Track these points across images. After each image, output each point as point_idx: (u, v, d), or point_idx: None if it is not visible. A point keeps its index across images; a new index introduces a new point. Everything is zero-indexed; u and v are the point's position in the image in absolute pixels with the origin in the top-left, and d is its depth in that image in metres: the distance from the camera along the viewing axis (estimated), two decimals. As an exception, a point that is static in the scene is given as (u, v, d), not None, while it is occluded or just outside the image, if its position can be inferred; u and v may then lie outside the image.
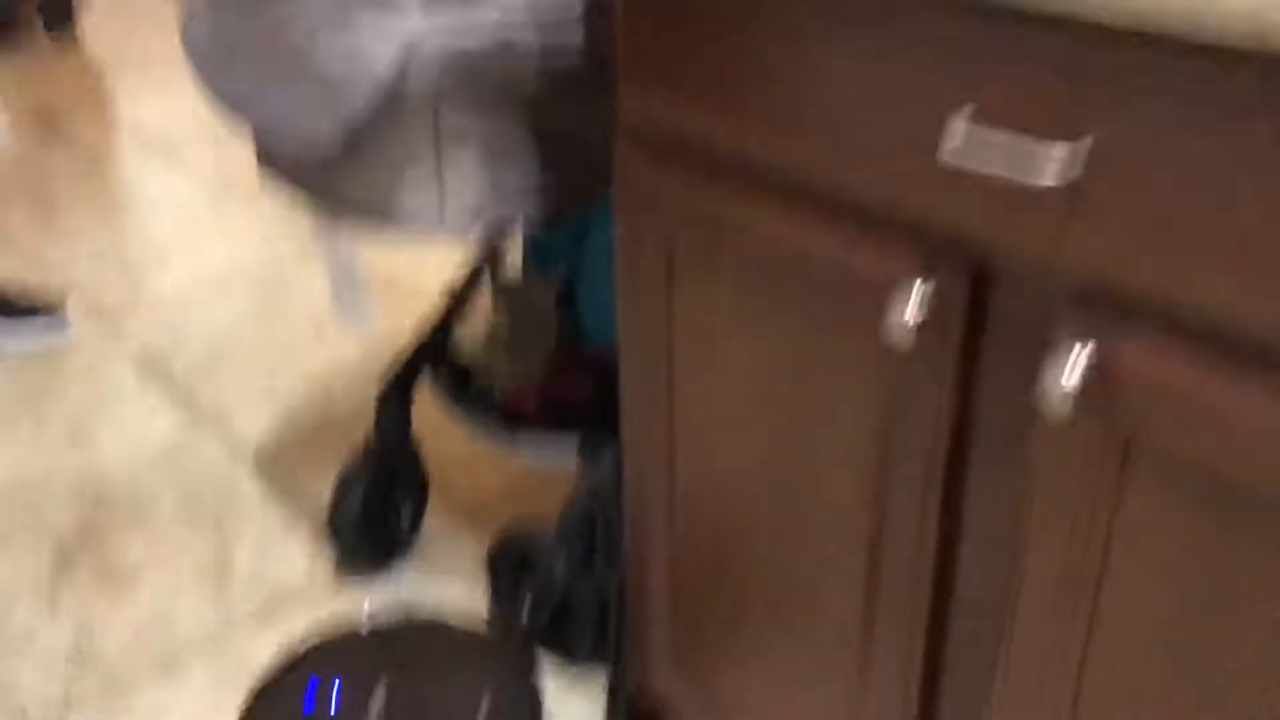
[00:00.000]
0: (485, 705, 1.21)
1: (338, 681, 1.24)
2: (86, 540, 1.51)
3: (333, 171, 1.01)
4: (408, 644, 1.30)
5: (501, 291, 1.41)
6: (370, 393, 1.80)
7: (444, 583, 1.44)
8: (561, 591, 1.23)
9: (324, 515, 1.55)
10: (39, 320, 1.99)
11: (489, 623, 1.36)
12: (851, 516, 0.81)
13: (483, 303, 1.41)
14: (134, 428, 1.74)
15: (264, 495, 1.59)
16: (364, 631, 1.32)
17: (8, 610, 1.39)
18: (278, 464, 1.66)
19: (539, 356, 1.36)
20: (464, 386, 1.36)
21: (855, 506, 0.80)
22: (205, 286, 2.13)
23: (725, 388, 0.88)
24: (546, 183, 1.06)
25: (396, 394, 1.42)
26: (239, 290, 2.12)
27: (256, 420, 1.75)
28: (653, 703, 1.14)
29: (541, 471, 1.62)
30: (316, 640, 1.31)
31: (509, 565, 1.30)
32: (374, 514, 1.40)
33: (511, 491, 1.59)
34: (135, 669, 1.32)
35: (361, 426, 1.72)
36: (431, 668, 1.26)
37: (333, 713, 1.20)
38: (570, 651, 1.30)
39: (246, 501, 1.58)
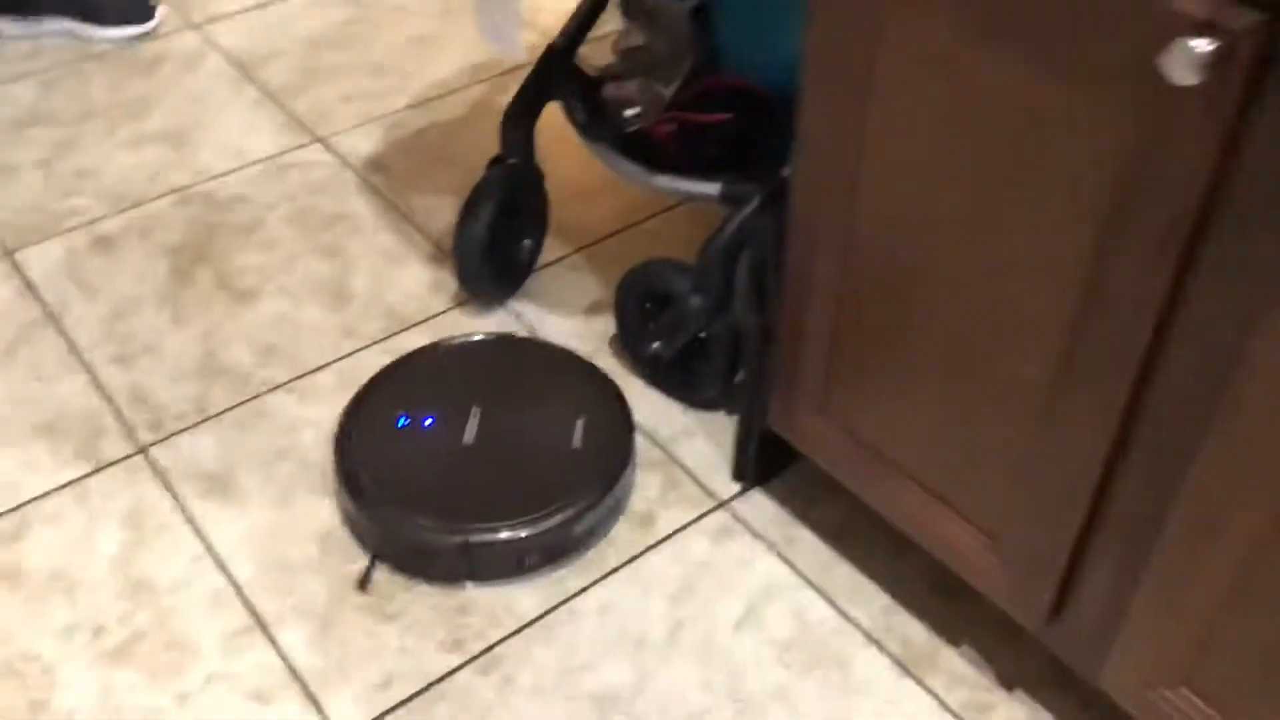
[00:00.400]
0: (579, 429, 1.22)
1: (432, 400, 1.24)
2: (202, 253, 1.50)
3: None
4: (505, 366, 1.30)
5: (634, 9, 1.32)
6: (474, 114, 1.75)
7: (561, 314, 1.43)
8: (696, 328, 1.22)
9: (437, 238, 1.53)
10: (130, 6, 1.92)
11: (618, 352, 1.36)
12: (1063, 271, 0.77)
13: (615, 22, 1.33)
14: (236, 139, 1.69)
15: (375, 215, 1.56)
16: (464, 350, 1.31)
17: (134, 319, 1.40)
18: (386, 184, 1.62)
19: (673, 82, 1.30)
20: (594, 112, 1.31)
21: (1071, 261, 0.76)
22: (299, 2, 2.03)
23: (929, 130, 0.82)
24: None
25: (522, 115, 1.36)
26: (332, 4, 2.01)
27: (359, 138, 1.70)
28: (785, 445, 1.15)
29: (667, 203, 1.58)
30: (417, 354, 1.31)
31: (638, 297, 1.28)
32: (498, 241, 1.37)
33: (632, 223, 1.56)
34: (264, 378, 1.34)
35: (469, 149, 1.68)
36: (527, 390, 1.26)
37: (426, 424, 1.23)
38: (696, 390, 1.30)
39: (358, 220, 1.56)
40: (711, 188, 1.19)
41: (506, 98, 1.78)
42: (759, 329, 1.13)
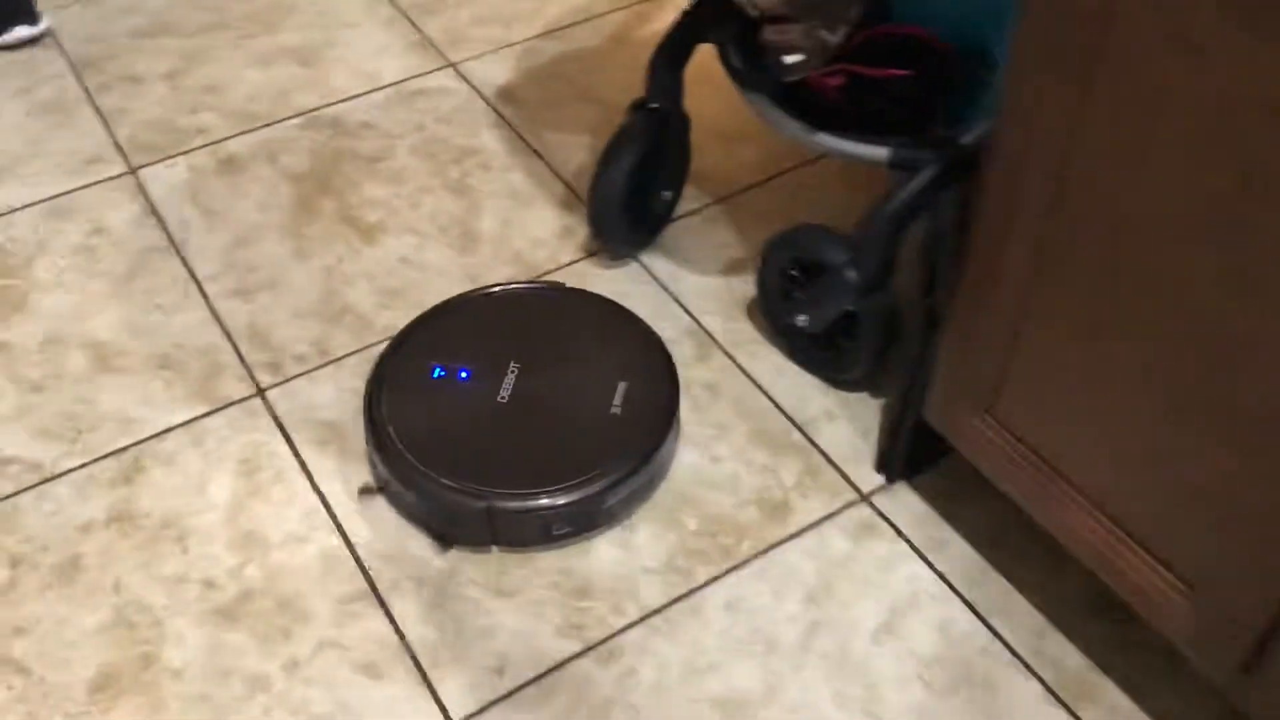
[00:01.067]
0: (620, 393, 1.13)
1: (471, 353, 1.17)
2: (327, 182, 1.44)
3: None
4: (551, 319, 1.21)
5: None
6: (612, 45, 1.65)
7: (696, 272, 1.34)
8: (848, 304, 1.12)
9: (569, 180, 1.44)
10: None
11: (756, 319, 1.27)
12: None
13: (779, -41, 1.22)
14: (366, 60, 1.62)
15: (506, 151, 1.48)
16: (507, 299, 1.24)
17: (256, 249, 1.35)
18: (518, 117, 1.53)
19: (840, 28, 1.18)
20: (752, 58, 1.20)
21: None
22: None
23: (1169, 118, 0.71)
24: None
25: (672, 58, 1.26)
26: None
27: (491, 65, 1.62)
28: (936, 437, 1.05)
29: (814, 153, 1.47)
30: (460, 301, 1.24)
31: (784, 262, 1.19)
32: (637, 191, 1.28)
33: (776, 174, 1.45)
34: (386, 323, 1.27)
35: (605, 84, 1.58)
36: (571, 347, 1.18)
37: (462, 376, 1.15)
38: (841, 369, 1.20)
39: (488, 155, 1.48)
40: (880, 151, 1.08)
41: (648, 28, 1.69)
42: (924, 312, 1.03)
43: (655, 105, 1.27)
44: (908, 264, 1.13)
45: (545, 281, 1.29)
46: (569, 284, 1.31)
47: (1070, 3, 0.74)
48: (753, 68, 1.18)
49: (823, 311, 1.15)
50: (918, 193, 1.06)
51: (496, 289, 1.25)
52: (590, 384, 1.15)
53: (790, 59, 1.19)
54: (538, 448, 1.10)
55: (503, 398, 1.14)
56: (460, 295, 1.25)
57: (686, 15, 1.25)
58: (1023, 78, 0.80)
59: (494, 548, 1.07)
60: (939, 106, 1.15)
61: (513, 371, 1.16)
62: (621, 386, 1.14)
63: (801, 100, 1.18)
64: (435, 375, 1.16)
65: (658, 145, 1.28)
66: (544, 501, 1.05)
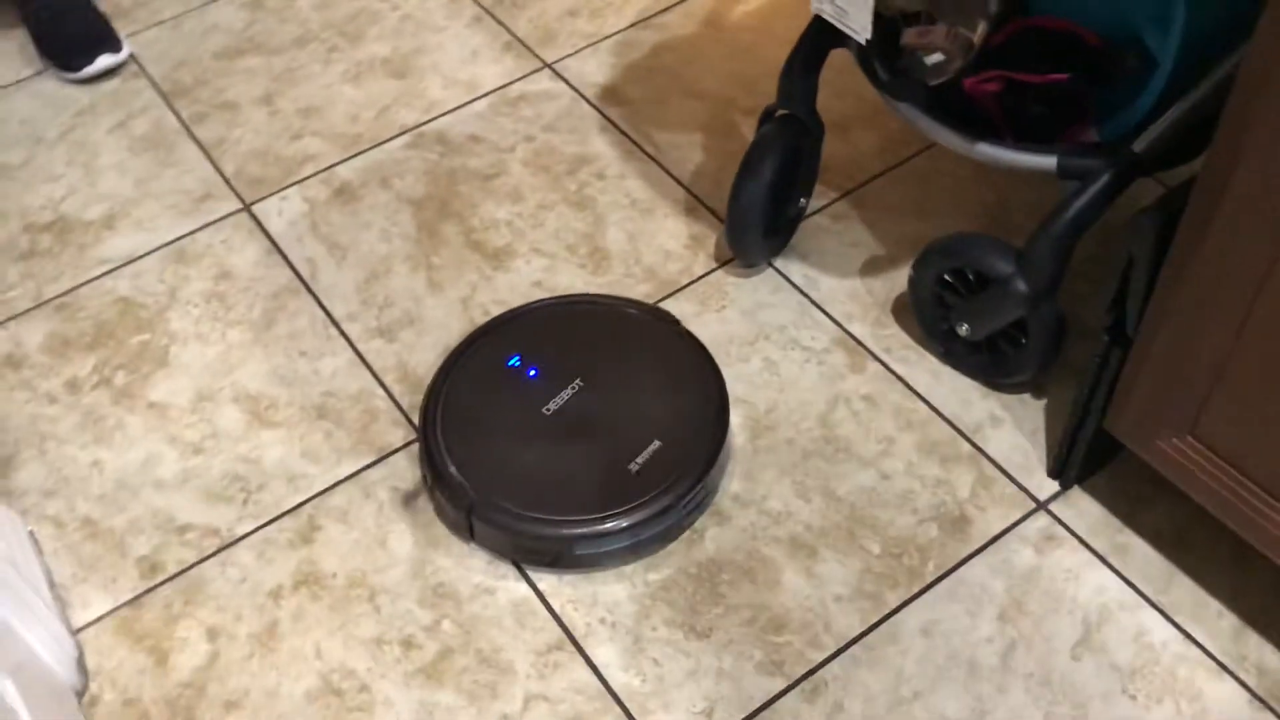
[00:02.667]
0: (648, 452, 1.12)
1: (551, 355, 1.19)
2: (446, 205, 1.42)
3: None
4: (638, 346, 1.21)
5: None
6: (706, 31, 1.61)
7: (834, 275, 1.32)
8: (1015, 315, 1.11)
9: (688, 183, 1.42)
10: None
11: (904, 321, 1.26)
12: None
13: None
14: (460, 67, 1.59)
15: (620, 157, 1.46)
16: (604, 313, 1.24)
17: (388, 282, 1.34)
18: (625, 118, 1.51)
19: (980, 24, 1.15)
20: (892, 60, 1.17)
21: None
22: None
23: None
24: None
25: (806, 65, 1.23)
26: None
27: (588, 62, 1.58)
28: (1109, 437, 1.04)
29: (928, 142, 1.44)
30: (572, 302, 1.25)
31: (940, 269, 1.17)
32: (775, 201, 1.26)
33: (897, 162, 1.43)
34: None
35: (705, 75, 1.54)
36: (636, 381, 1.17)
37: (530, 374, 1.17)
38: (1004, 374, 1.19)
39: (602, 163, 1.45)
40: (1048, 161, 1.06)
41: (739, 9, 1.65)
42: (1107, 328, 1.02)
43: (789, 113, 1.24)
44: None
45: (654, 308, 1.25)
46: (707, 297, 1.30)
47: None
48: (897, 74, 1.15)
49: (988, 321, 1.14)
50: (1090, 204, 1.04)
51: (607, 299, 1.25)
52: (624, 431, 1.14)
53: (932, 59, 1.16)
54: (557, 472, 1.11)
55: (548, 409, 1.14)
56: (575, 295, 1.26)
57: (820, 20, 1.22)
58: (1254, 115, 0.78)
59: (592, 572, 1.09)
60: (1093, 105, 1.13)
61: (573, 387, 1.16)
62: (653, 445, 1.12)
63: (949, 102, 1.15)
64: (510, 364, 1.18)
65: (794, 154, 1.26)
66: (555, 531, 1.07)
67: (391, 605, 1.08)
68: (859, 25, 1.01)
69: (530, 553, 1.10)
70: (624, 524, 1.07)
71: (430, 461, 1.12)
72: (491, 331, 1.22)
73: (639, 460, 1.11)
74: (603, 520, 1.07)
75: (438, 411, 1.15)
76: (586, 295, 1.27)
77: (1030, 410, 1.20)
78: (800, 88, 1.23)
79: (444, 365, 1.20)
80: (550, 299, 1.26)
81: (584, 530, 1.07)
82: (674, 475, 1.09)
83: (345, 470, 1.18)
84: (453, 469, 1.11)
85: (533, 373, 1.17)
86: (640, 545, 1.09)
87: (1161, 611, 1.05)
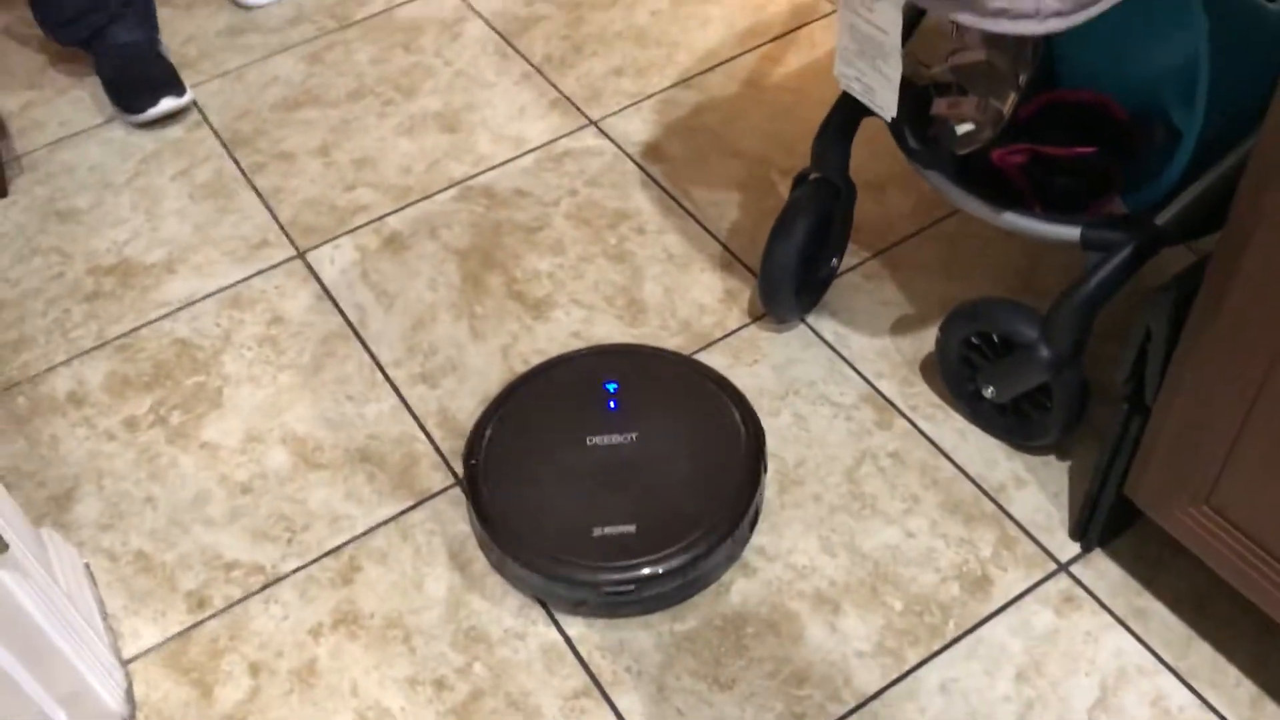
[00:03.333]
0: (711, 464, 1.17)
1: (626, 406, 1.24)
2: (490, 256, 1.47)
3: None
4: (674, 385, 1.26)
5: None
6: (747, 91, 1.65)
7: (865, 333, 1.35)
8: (1039, 380, 1.14)
9: (724, 239, 1.46)
10: None
11: (932, 381, 1.28)
12: None
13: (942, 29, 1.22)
14: (508, 123, 1.64)
15: (659, 212, 1.50)
16: (678, 368, 1.28)
17: (433, 330, 1.39)
18: (665, 175, 1.55)
19: (1010, 96, 1.18)
20: (923, 129, 1.20)
21: None
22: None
23: None
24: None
25: (839, 133, 1.27)
26: (587, -47, 1.92)
27: (632, 120, 1.64)
28: (1130, 501, 1.06)
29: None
30: (655, 354, 1.30)
31: (966, 332, 1.20)
32: (808, 260, 1.30)
33: (929, 223, 1.46)
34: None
35: (745, 135, 1.59)
36: (685, 438, 1.21)
37: (610, 406, 1.23)
38: (1028, 436, 1.22)
39: (642, 218, 1.50)
40: (1071, 231, 1.09)
41: (779, 70, 1.70)
42: (1127, 397, 1.04)
43: (822, 176, 1.28)
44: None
45: (704, 369, 1.28)
46: (739, 351, 1.34)
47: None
48: (927, 143, 1.19)
49: (1012, 385, 1.17)
50: (1113, 275, 1.07)
51: (669, 354, 1.30)
52: (662, 482, 1.17)
53: (962, 129, 1.20)
54: (592, 518, 1.15)
55: (592, 442, 1.20)
56: (660, 351, 1.31)
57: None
58: (1266, 200, 0.80)
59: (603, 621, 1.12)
60: (1119, 177, 1.16)
61: (629, 437, 1.20)
62: (689, 497, 1.16)
63: (977, 171, 1.19)
64: (607, 388, 1.24)
65: (826, 217, 1.29)
66: (574, 575, 1.11)
67: (426, 646, 1.12)
68: (885, 103, 1.05)
69: (560, 598, 1.14)
70: (656, 571, 1.11)
71: (474, 500, 1.17)
72: (539, 375, 1.28)
73: (671, 511, 1.15)
74: (635, 568, 1.11)
75: (483, 450, 1.21)
76: (648, 346, 1.32)
77: (1054, 472, 1.22)
78: (833, 153, 1.27)
79: (496, 399, 1.26)
80: (615, 345, 1.33)
81: (615, 577, 1.11)
82: (706, 528, 1.13)
83: (386, 513, 1.23)
84: (491, 509, 1.15)
85: (612, 405, 1.23)
86: (668, 595, 1.13)
87: (1179, 677, 1.07)
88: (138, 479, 1.28)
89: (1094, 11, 0.84)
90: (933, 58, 1.23)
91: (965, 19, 0.83)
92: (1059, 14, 0.82)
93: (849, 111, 1.26)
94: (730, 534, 1.13)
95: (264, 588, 1.18)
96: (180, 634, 1.15)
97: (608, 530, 1.13)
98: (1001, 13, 0.81)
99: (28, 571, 0.98)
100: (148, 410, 1.34)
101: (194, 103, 1.71)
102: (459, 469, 1.26)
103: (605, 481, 1.17)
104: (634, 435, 1.20)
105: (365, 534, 1.21)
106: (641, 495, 1.16)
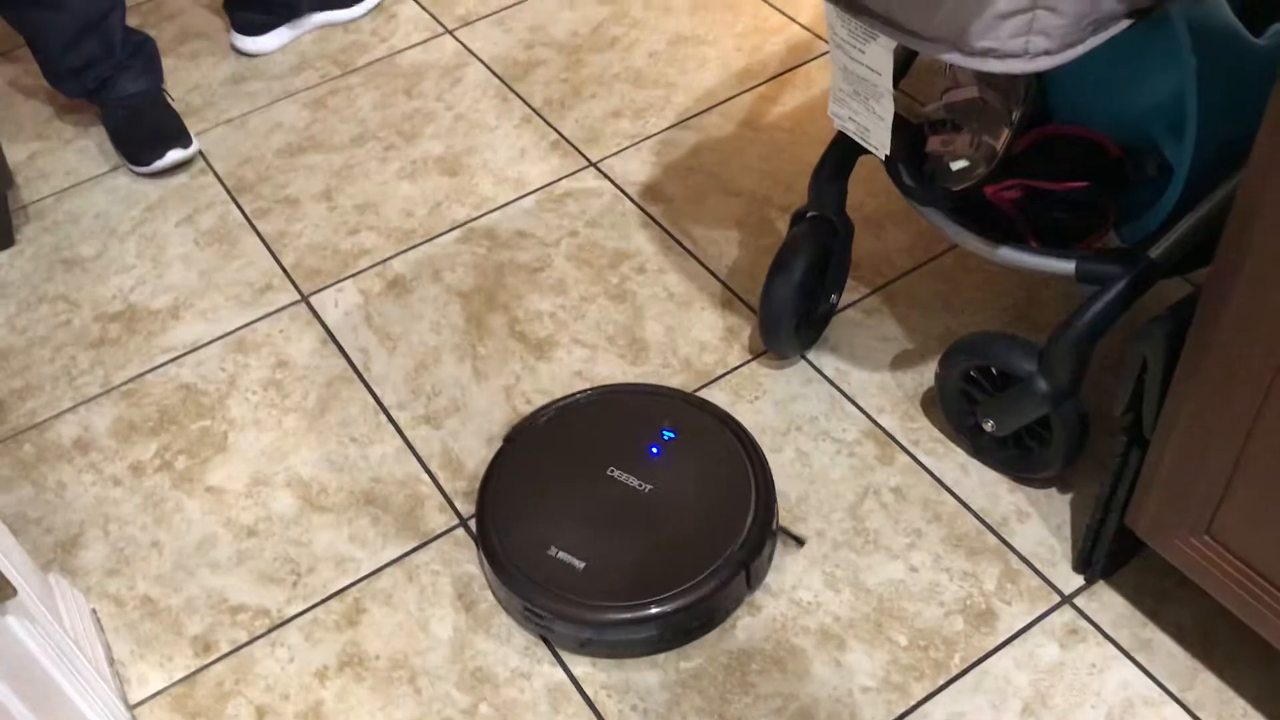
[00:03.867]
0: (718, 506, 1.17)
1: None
2: (493, 297, 1.48)
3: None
4: (687, 427, 1.25)
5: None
6: (743, 130, 1.67)
7: (865, 369, 1.36)
8: (1038, 414, 1.14)
9: (724, 277, 1.48)
10: None
11: (933, 415, 1.29)
12: None
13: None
14: (509, 165, 1.66)
15: (659, 251, 1.52)
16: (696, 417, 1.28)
17: (436, 372, 1.40)
18: (665, 215, 1.57)
19: (1003, 133, 1.20)
20: (918, 168, 1.22)
21: None
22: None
23: None
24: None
25: (834, 172, 1.28)
26: (586, 2, 1.95)
27: (631, 161, 1.66)
28: (1133, 533, 1.07)
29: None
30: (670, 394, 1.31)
31: (966, 367, 1.21)
32: (805, 298, 1.31)
33: (928, 258, 1.47)
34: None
35: (742, 174, 1.61)
36: (697, 458, 1.22)
37: (667, 436, 1.23)
38: (1029, 470, 1.22)
39: (643, 258, 1.51)
40: (1066, 265, 1.10)
41: (775, 110, 1.72)
42: (1124, 428, 1.05)
43: (819, 215, 1.29)
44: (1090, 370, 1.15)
45: (713, 409, 1.28)
46: (740, 388, 1.35)
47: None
48: (922, 181, 1.21)
49: (1011, 419, 1.17)
50: (1108, 308, 1.08)
51: (679, 394, 1.31)
52: (670, 523, 1.17)
53: (957, 165, 1.22)
54: (607, 556, 1.15)
55: (612, 472, 1.21)
56: (669, 390, 1.32)
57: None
58: (1252, 235, 0.82)
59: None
60: (1114, 210, 1.17)
61: (630, 477, 1.20)
62: (696, 540, 1.15)
63: (973, 207, 1.20)
64: (666, 435, 1.24)
65: (824, 254, 1.31)
66: (578, 614, 1.12)
67: (431, 688, 1.13)
68: (879, 142, 1.07)
69: (563, 636, 1.14)
70: (662, 610, 1.11)
71: (482, 537, 1.18)
72: (549, 415, 1.28)
73: (679, 551, 1.15)
74: (641, 608, 1.11)
75: (491, 488, 1.21)
76: (659, 387, 1.32)
77: (1056, 504, 1.22)
78: (829, 192, 1.28)
79: (508, 437, 1.27)
80: (625, 385, 1.34)
81: (621, 617, 1.11)
82: (712, 568, 1.13)
83: (390, 554, 1.23)
84: (499, 547, 1.16)
85: (670, 433, 1.24)
86: (675, 637, 1.13)
87: (1185, 708, 1.07)
88: (144, 524, 1.29)
89: (1081, 50, 0.86)
90: (927, 95, 1.25)
91: (954, 59, 0.85)
92: (1047, 53, 0.83)
93: (844, 150, 1.27)
94: (735, 577, 1.13)
95: (270, 631, 1.18)
96: (186, 678, 1.16)
97: (620, 568, 1.14)
98: (989, 52, 0.83)
99: (35, 617, 0.99)
100: (153, 455, 1.35)
101: (200, 153, 1.73)
102: (463, 509, 1.27)
103: (616, 521, 1.17)
104: (650, 485, 1.20)
105: (370, 576, 1.22)
106: (650, 536, 1.16)
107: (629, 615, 1.11)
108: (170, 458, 1.35)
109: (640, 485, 1.19)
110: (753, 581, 1.16)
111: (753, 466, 1.21)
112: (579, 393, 1.30)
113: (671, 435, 1.24)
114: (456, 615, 1.18)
